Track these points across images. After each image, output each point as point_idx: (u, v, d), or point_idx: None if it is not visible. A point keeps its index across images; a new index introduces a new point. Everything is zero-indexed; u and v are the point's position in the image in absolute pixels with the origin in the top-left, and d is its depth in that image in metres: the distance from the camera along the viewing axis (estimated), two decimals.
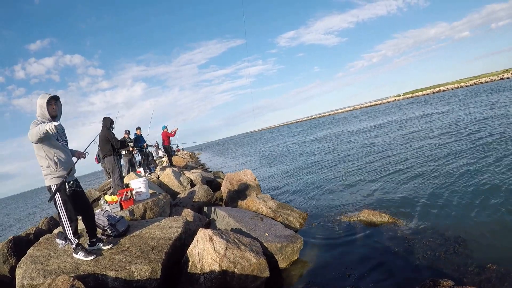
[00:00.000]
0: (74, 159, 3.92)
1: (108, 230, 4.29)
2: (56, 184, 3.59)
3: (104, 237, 4.26)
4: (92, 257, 3.70)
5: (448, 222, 4.87)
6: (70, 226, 3.68)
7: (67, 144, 3.87)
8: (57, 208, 3.64)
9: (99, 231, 4.29)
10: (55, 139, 3.65)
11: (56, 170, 3.59)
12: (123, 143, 7.44)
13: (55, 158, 3.59)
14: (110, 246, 4.00)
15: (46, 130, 3.20)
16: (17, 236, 6.07)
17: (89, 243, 3.99)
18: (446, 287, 2.94)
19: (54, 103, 3.66)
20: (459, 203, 5.44)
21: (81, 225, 4.04)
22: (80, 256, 3.71)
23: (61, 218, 3.66)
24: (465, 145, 9.49)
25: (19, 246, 5.56)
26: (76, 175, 3.94)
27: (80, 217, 3.99)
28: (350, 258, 4.37)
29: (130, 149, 11.29)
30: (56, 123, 3.21)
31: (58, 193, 3.56)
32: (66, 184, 3.65)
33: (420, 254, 4.04)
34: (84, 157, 4.02)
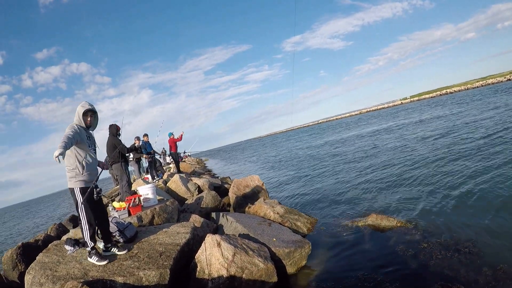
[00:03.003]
0: (99, 169, 4.07)
1: (116, 236, 4.31)
2: (80, 188, 3.67)
3: (120, 242, 4.27)
4: (105, 262, 3.74)
5: (458, 225, 4.80)
6: (89, 230, 3.74)
7: (95, 152, 4.00)
8: (77, 211, 3.71)
9: None
10: (87, 145, 3.79)
11: (82, 174, 3.69)
12: (131, 149, 7.48)
13: (84, 162, 3.71)
14: (125, 251, 4.02)
15: (57, 152, 3.18)
16: (26, 242, 6.12)
17: (103, 249, 4.02)
18: None
19: (90, 115, 3.89)
20: (469, 206, 5.36)
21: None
22: (93, 260, 3.75)
23: (80, 221, 3.73)
24: (476, 148, 9.37)
25: (28, 253, 5.60)
26: None
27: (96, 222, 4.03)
28: (358, 263, 4.31)
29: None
30: (58, 154, 3.12)
31: (80, 196, 3.64)
32: (94, 190, 3.72)
33: (430, 258, 3.98)
34: (107, 169, 4.16)
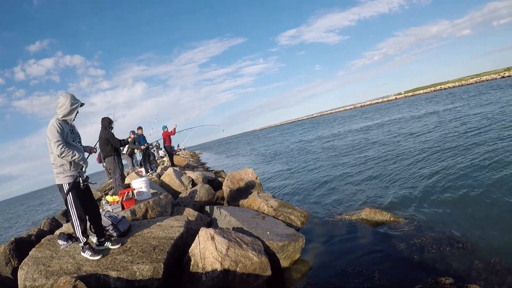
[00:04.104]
0: (86, 154, 4.05)
1: (110, 230, 4.28)
2: (68, 183, 3.63)
3: (114, 236, 4.24)
4: (98, 257, 3.71)
5: (450, 219, 4.86)
6: (80, 225, 3.70)
7: (81, 144, 3.95)
8: (67, 207, 3.68)
9: None
10: (71, 140, 3.71)
11: (70, 169, 3.65)
12: (123, 142, 7.41)
13: None
14: (118, 245, 4.00)
15: (81, 165, 3.72)
16: (19, 237, 6.07)
17: (97, 243, 3.99)
18: (448, 285, 2.93)
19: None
20: (462, 201, 5.42)
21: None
22: (87, 255, 3.73)
23: (71, 216, 3.70)
24: (469, 143, 9.46)
25: (21, 248, 5.55)
26: None
27: (87, 217, 3.99)
28: (352, 256, 4.35)
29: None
30: (85, 164, 3.77)
31: (70, 191, 3.60)
32: (80, 178, 3.67)
33: (423, 252, 4.03)
34: (95, 152, 4.14)
